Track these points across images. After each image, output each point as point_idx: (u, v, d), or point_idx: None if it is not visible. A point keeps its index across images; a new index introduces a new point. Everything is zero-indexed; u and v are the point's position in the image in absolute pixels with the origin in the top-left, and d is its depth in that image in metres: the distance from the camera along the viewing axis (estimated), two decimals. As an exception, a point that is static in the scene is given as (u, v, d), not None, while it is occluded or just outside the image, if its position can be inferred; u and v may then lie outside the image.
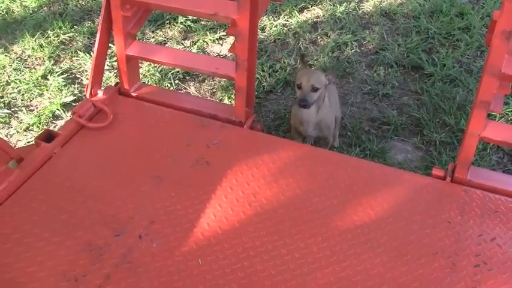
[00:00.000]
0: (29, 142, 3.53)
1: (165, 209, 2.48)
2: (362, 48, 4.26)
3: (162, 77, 3.98)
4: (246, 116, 2.95)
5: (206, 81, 3.96)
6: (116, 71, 3.99)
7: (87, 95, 3.05)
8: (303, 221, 2.43)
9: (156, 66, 4.05)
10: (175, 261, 2.27)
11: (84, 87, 3.96)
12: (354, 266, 2.25)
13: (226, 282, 2.19)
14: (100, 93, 3.05)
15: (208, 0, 2.85)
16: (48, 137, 2.80)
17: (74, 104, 3.81)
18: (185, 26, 4.52)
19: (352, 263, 2.26)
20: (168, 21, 4.57)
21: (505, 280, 2.22)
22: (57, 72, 4.08)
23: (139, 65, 3.99)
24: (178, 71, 4.01)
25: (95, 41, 4.23)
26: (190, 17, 4.55)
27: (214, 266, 2.24)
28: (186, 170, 2.66)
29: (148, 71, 4.02)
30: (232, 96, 3.68)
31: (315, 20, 4.58)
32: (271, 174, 2.64)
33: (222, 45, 4.34)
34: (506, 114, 3.62)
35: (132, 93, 3.13)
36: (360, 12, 4.67)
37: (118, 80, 3.17)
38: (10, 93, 3.96)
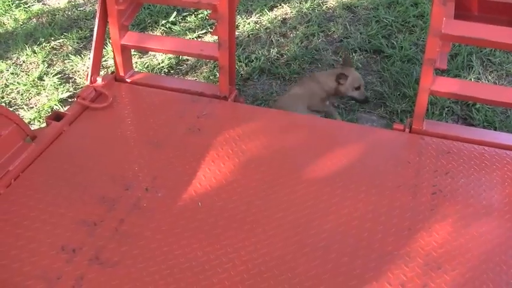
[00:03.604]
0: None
1: (166, 167, 2.87)
2: (328, 38, 4.72)
3: (149, 72, 4.37)
4: (230, 91, 3.35)
5: (189, 73, 4.38)
6: (105, 69, 4.39)
7: (88, 82, 3.43)
8: (283, 169, 2.84)
9: (143, 63, 4.45)
10: (178, 205, 2.65)
11: (78, 86, 4.35)
12: (329, 200, 2.66)
13: (224, 218, 2.58)
14: (99, 80, 3.43)
15: (192, -9, 3.30)
16: (57, 117, 3.18)
17: (70, 100, 4.19)
18: (166, 28, 4.93)
19: (327, 199, 2.67)
20: (150, 25, 4.99)
21: (457, 203, 2.65)
22: (51, 73, 4.46)
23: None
24: (163, 66, 4.42)
25: (84, 45, 4.67)
26: (170, 19, 4.97)
27: (212, 206, 2.63)
28: (181, 136, 3.06)
29: (136, 67, 4.41)
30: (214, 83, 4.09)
31: (284, 16, 5.04)
32: (254, 136, 3.04)
33: (201, 43, 4.75)
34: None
35: (126, 79, 3.52)
36: (324, 7, 5.14)
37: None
38: (9, 94, 4.31)
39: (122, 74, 3.51)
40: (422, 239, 2.47)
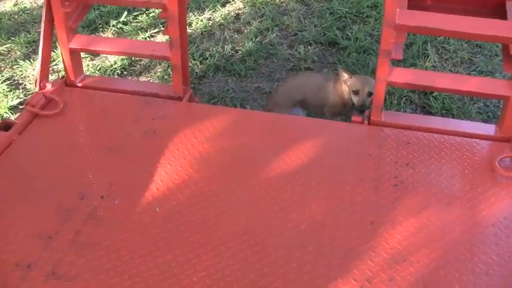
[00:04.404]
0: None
1: (122, 173, 2.77)
2: (282, 32, 4.68)
3: (101, 74, 4.27)
4: (184, 91, 3.27)
5: (143, 74, 4.29)
6: (56, 74, 4.27)
7: (37, 89, 3.31)
8: (242, 168, 2.78)
9: (95, 65, 4.34)
10: (136, 212, 2.56)
11: (28, 92, 4.22)
12: (291, 198, 2.61)
13: (184, 222, 2.50)
14: (48, 86, 3.31)
15: (140, -10, 3.21)
16: (5, 126, 3.05)
17: (21, 107, 4.06)
18: (117, 28, 4.83)
19: (288, 197, 2.62)
20: (100, 26, 4.87)
21: (419, 194, 2.62)
22: (0, 80, 4.32)
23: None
24: (116, 68, 4.32)
25: (33, 49, 4.53)
26: (121, 20, 4.86)
27: (171, 211, 2.55)
28: (136, 140, 2.97)
29: (88, 70, 4.30)
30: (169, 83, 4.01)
31: (237, 11, 4.98)
32: (211, 135, 2.97)
33: (153, 42, 4.66)
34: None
35: (77, 84, 3.40)
36: (278, 1, 5.09)
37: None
38: (-44, 104, 4.17)
39: (72, 78, 3.40)
40: (386, 233, 2.43)
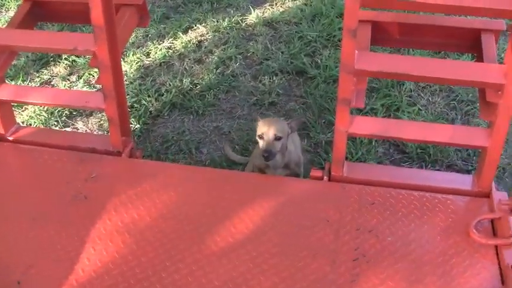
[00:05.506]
0: None
1: (44, 250, 2.42)
2: (247, 61, 4.31)
3: (48, 116, 3.91)
4: (124, 144, 2.92)
5: (93, 115, 3.92)
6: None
7: (-39, 147, 2.97)
8: (181, 242, 2.42)
9: (42, 107, 3.98)
10: (55, 302, 2.22)
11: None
12: (234, 278, 2.25)
13: (108, 315, 2.16)
14: (-25, 143, 2.98)
15: (67, 36, 2.88)
16: None
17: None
18: (69, 61, 4.47)
19: (231, 276, 2.26)
20: (52, 59, 4.51)
21: (382, 269, 2.27)
22: None
23: (26, 107, 3.95)
24: (64, 108, 3.96)
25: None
26: (74, 52, 4.50)
27: (95, 300, 2.22)
28: (64, 208, 2.62)
29: (34, 111, 3.94)
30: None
31: (199, 38, 4.61)
32: (150, 200, 2.62)
33: (109, 75, 4.30)
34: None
35: (8, 138, 3.06)
36: (244, 24, 4.73)
37: None
38: None
39: (2, 131, 3.06)
40: (341, 324, 2.08)
